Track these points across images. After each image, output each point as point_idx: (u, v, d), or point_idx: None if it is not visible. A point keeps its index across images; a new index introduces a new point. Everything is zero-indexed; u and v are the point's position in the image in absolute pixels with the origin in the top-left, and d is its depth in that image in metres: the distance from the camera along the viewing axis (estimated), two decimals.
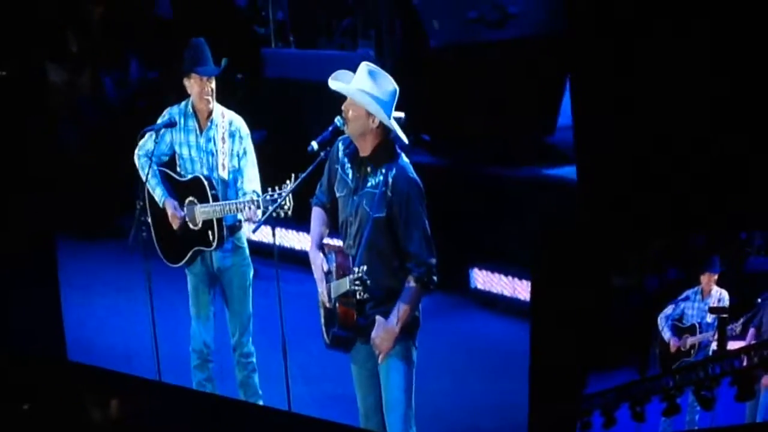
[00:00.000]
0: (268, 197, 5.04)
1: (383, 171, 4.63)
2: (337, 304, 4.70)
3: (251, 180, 5.44)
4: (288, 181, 4.95)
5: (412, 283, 4.62)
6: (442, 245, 4.61)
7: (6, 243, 6.29)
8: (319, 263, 4.74)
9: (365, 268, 4.51)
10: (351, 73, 4.66)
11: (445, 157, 5.57)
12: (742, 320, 6.45)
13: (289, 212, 4.97)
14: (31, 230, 6.37)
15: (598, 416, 6.49)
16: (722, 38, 5.31)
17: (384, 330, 4.65)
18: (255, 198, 5.22)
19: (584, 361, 6.66)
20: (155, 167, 5.49)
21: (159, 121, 5.50)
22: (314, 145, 4.75)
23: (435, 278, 4.66)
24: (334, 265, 4.70)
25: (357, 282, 4.49)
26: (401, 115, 4.95)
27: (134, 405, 6.14)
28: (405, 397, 4.78)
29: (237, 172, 5.44)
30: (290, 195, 4.94)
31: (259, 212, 5.15)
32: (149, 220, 5.55)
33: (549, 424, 5.99)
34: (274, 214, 4.96)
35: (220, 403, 5.76)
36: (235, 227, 5.51)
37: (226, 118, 5.47)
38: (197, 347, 5.64)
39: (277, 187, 5.04)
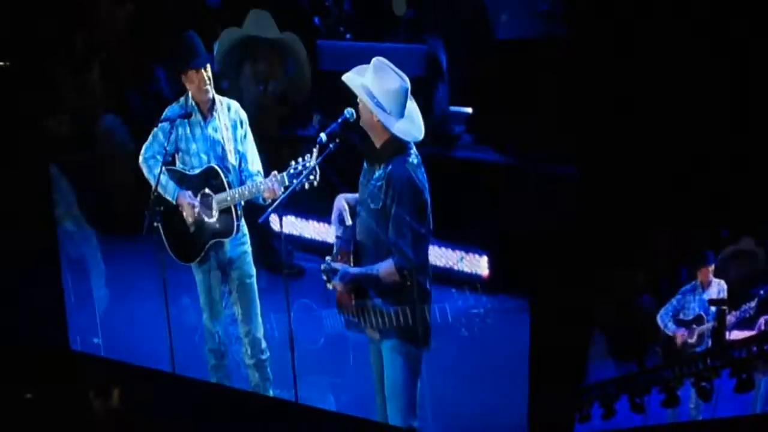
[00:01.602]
0: (292, 171, 5.03)
1: (385, 165, 4.67)
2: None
3: (254, 162, 5.45)
4: (314, 149, 4.93)
5: (390, 263, 4.67)
6: (507, 247, 4.59)
7: (9, 232, 6.28)
8: (338, 207, 4.81)
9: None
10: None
11: (511, 155, 5.49)
12: (755, 303, 6.53)
13: (315, 183, 4.94)
14: (34, 220, 6.37)
15: (597, 408, 6.53)
16: (725, 35, 5.35)
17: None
18: (277, 175, 5.15)
19: (583, 354, 6.72)
20: (162, 167, 5.48)
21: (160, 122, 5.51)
22: (323, 136, 4.76)
23: (409, 273, 4.68)
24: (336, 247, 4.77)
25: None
26: (468, 110, 4.93)
27: (138, 395, 6.15)
28: (403, 391, 4.83)
29: (242, 157, 5.46)
30: (317, 166, 4.91)
31: (282, 189, 5.11)
32: (163, 209, 5.55)
33: (548, 415, 6.03)
34: (299, 188, 4.93)
35: (227, 393, 5.79)
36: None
37: (224, 105, 5.45)
38: (214, 346, 5.65)
39: (300, 159, 5.03)
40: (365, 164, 4.77)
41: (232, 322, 5.65)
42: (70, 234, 6.11)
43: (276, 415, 5.71)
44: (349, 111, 4.73)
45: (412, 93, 4.66)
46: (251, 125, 5.44)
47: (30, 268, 6.38)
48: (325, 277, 4.74)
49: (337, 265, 4.71)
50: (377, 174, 4.68)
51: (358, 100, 4.67)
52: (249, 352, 5.59)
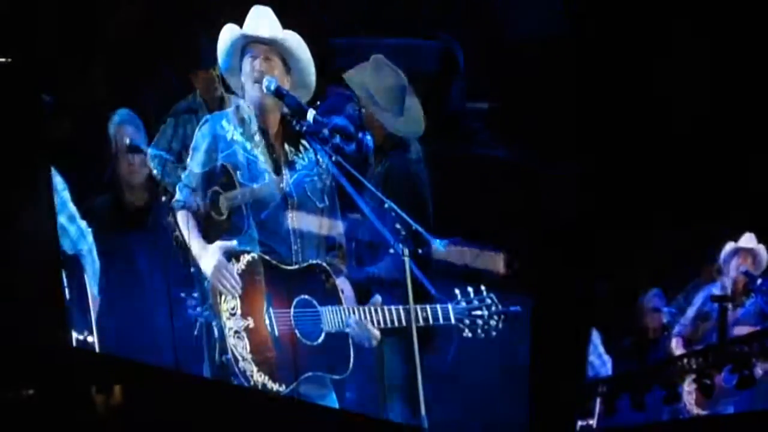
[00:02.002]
0: (299, 167, 5.06)
1: (383, 161, 4.69)
2: None
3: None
4: (323, 147, 4.94)
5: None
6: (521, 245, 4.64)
7: (12, 226, 6.27)
8: None
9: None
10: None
11: (525, 153, 5.48)
12: (758, 299, 6.57)
13: (328, 181, 4.95)
14: (35, 216, 6.36)
15: (598, 405, 6.52)
16: (725, 35, 5.36)
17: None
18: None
19: (584, 350, 6.71)
20: (168, 164, 5.48)
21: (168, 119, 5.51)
22: (326, 132, 4.78)
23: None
24: None
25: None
26: (485, 105, 4.95)
27: (139, 392, 6.16)
28: (403, 389, 4.86)
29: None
30: (325, 162, 4.93)
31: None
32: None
33: (549, 412, 6.03)
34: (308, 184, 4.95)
35: (227, 389, 5.78)
36: None
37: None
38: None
39: (306, 155, 5.06)
40: (371, 158, 4.81)
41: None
42: (65, 230, 6.09)
43: (277, 412, 5.72)
44: (351, 106, 4.75)
45: (428, 89, 4.65)
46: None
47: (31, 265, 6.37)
48: (323, 276, 4.77)
49: (339, 263, 4.74)
50: (377, 170, 4.71)
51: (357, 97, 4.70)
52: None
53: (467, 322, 4.86)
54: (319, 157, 4.86)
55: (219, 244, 4.67)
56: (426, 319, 4.78)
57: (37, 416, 6.00)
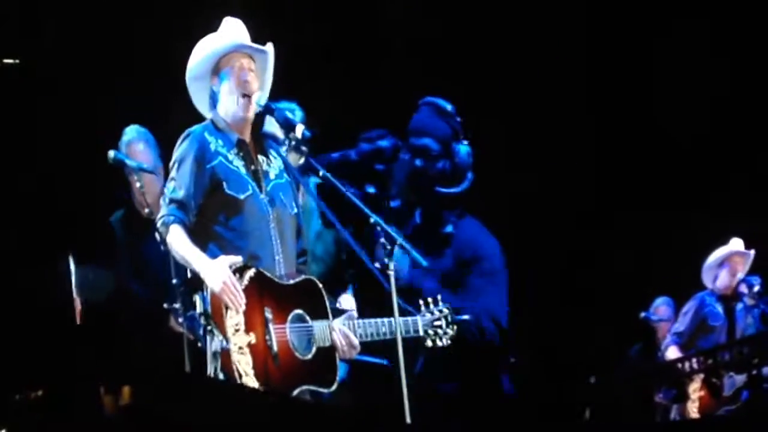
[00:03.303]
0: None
1: None
2: None
3: None
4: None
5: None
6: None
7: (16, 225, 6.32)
8: None
9: None
10: None
11: None
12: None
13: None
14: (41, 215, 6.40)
15: (608, 402, 6.52)
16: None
17: None
18: None
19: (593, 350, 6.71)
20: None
21: None
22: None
23: None
24: None
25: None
26: None
27: (143, 391, 6.18)
28: None
29: None
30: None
31: None
32: None
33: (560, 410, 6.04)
34: None
35: (232, 389, 5.80)
36: None
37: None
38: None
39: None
40: None
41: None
42: None
43: (282, 412, 5.74)
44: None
45: None
46: None
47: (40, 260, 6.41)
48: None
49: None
50: None
51: None
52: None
53: (430, 332, 5.04)
54: (287, 166, 4.96)
55: (225, 258, 4.67)
56: (400, 332, 4.87)
57: (45, 418, 6.04)
